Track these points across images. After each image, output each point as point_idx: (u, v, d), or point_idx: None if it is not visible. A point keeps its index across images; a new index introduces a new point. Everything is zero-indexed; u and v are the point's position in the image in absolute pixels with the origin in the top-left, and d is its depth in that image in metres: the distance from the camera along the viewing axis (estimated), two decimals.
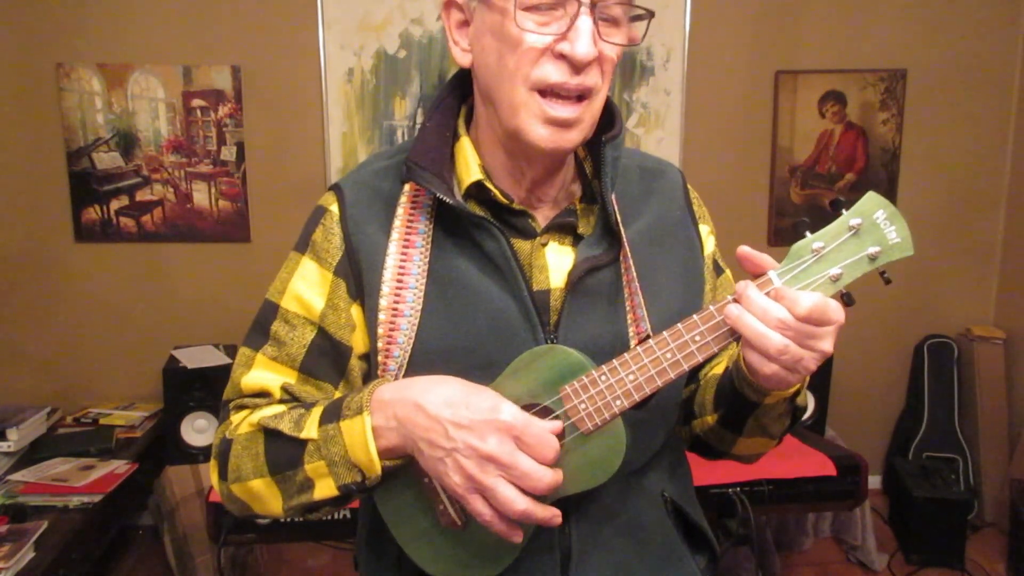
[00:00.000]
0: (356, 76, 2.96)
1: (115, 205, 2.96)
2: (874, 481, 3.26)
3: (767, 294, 0.77)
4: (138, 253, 3.01)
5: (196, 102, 2.94)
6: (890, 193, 3.23)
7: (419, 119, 3.01)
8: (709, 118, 3.11)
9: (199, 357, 2.78)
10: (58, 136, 2.90)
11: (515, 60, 0.83)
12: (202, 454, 2.68)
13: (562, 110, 0.84)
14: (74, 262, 3.00)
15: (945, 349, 3.25)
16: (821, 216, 0.80)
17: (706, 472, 2.11)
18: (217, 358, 2.78)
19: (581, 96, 0.85)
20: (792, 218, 3.21)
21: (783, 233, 3.20)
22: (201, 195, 2.99)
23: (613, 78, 0.90)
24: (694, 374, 1.04)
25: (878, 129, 3.18)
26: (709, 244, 1.03)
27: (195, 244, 3.02)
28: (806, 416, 2.93)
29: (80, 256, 2.99)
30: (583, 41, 0.81)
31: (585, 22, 0.82)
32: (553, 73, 0.83)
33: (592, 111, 0.87)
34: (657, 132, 3.10)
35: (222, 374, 2.72)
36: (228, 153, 2.98)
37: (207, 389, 2.69)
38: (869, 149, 3.19)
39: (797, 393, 0.89)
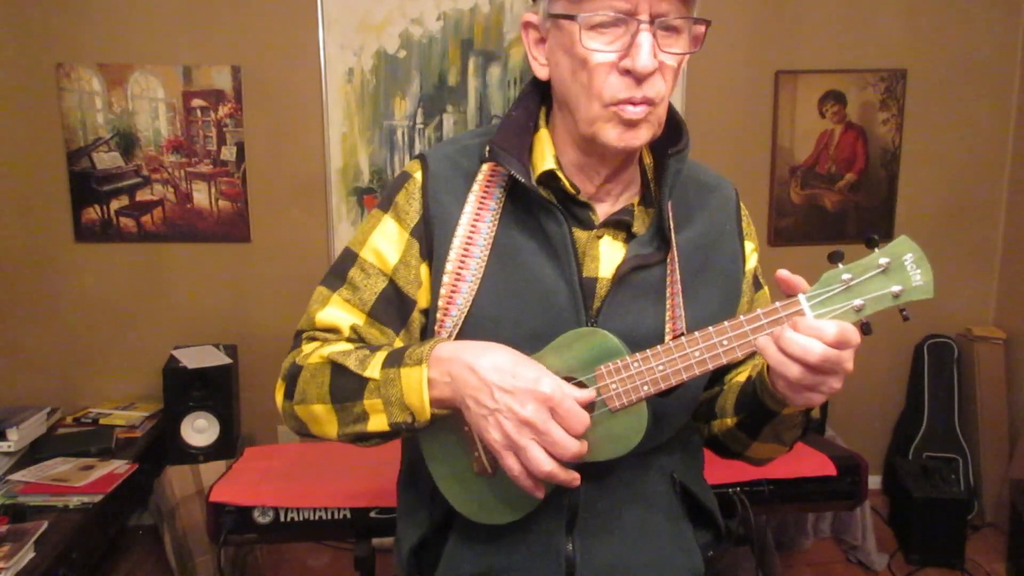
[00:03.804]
0: (356, 76, 2.96)
1: (115, 205, 2.97)
2: (874, 481, 3.26)
3: (792, 315, 0.86)
4: (138, 253, 3.01)
5: (196, 102, 2.94)
6: (890, 193, 3.23)
7: (419, 119, 3.01)
8: (709, 118, 3.11)
9: (199, 357, 2.77)
10: (58, 136, 2.90)
11: (586, 76, 0.92)
12: (202, 454, 2.68)
13: (632, 111, 0.92)
14: (74, 262, 3.00)
15: (945, 349, 3.25)
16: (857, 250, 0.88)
17: (706, 472, 2.11)
18: (217, 358, 2.78)
19: (648, 103, 0.93)
20: (792, 218, 3.21)
21: (783, 233, 3.20)
22: (201, 195, 2.99)
23: (677, 82, 0.98)
24: (719, 377, 1.12)
25: (878, 129, 3.18)
26: (752, 260, 1.13)
27: (195, 244, 3.02)
28: None
29: (80, 256, 3.00)
30: (644, 56, 0.89)
31: (645, 38, 0.89)
32: (620, 89, 0.91)
33: (658, 114, 0.95)
34: None
35: (222, 374, 2.72)
36: (228, 153, 2.98)
37: (207, 389, 2.69)
38: (869, 149, 3.19)
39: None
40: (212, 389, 2.69)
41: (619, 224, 1.03)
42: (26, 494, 2.40)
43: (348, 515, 1.94)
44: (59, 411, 2.91)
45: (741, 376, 1.09)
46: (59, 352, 3.04)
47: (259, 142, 2.99)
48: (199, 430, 2.70)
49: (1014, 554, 2.78)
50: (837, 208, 3.22)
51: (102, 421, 2.88)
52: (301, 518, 1.96)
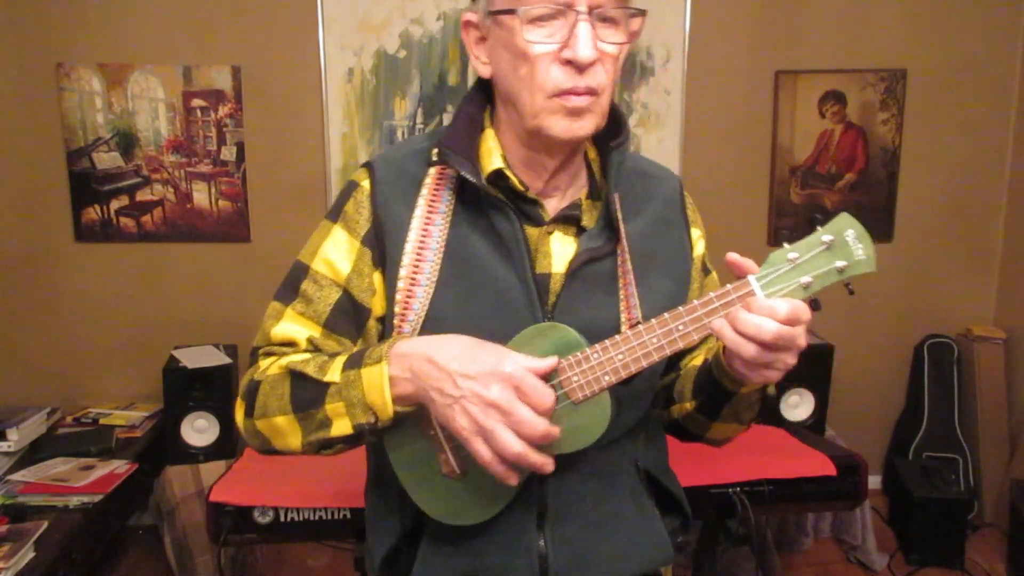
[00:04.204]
0: (356, 76, 2.96)
1: (115, 205, 2.97)
2: (874, 481, 3.25)
3: (743, 296, 0.87)
4: (138, 253, 3.01)
5: (196, 102, 2.94)
6: (890, 193, 3.23)
7: (419, 119, 3.01)
8: (709, 118, 3.11)
9: (199, 357, 2.77)
10: (58, 136, 2.90)
11: (528, 68, 0.93)
12: (202, 454, 2.68)
13: (576, 100, 0.93)
14: (74, 262, 3.00)
15: (945, 349, 3.25)
16: (825, 214, 0.91)
17: (706, 472, 2.12)
18: (217, 358, 2.78)
19: (591, 92, 0.94)
20: (792, 218, 3.20)
21: (783, 233, 3.20)
22: (201, 195, 2.99)
23: (619, 73, 0.99)
24: (675, 363, 1.15)
25: (878, 129, 3.18)
26: (699, 247, 1.14)
27: (195, 244, 3.02)
28: (806, 416, 2.93)
29: (80, 256, 3.00)
30: (583, 45, 0.91)
31: (584, 28, 0.91)
32: (563, 80, 0.93)
33: (601, 104, 0.96)
34: (657, 132, 3.10)
35: (222, 374, 2.72)
36: (228, 153, 2.98)
37: (207, 389, 2.69)
38: (869, 149, 3.19)
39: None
40: (212, 389, 2.69)
41: (569, 219, 1.04)
42: (26, 494, 2.39)
43: (348, 515, 1.94)
44: (59, 411, 2.91)
45: (696, 360, 1.12)
46: (59, 352, 3.04)
47: (259, 142, 2.99)
48: (199, 430, 2.70)
49: (1014, 554, 2.78)
50: (837, 208, 3.22)
51: (102, 421, 2.88)
52: (301, 518, 1.96)
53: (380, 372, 0.91)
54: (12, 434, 2.58)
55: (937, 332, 3.28)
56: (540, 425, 0.86)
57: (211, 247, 3.02)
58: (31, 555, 2.10)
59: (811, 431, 2.85)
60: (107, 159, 2.94)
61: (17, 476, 2.50)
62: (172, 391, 2.69)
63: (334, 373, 0.95)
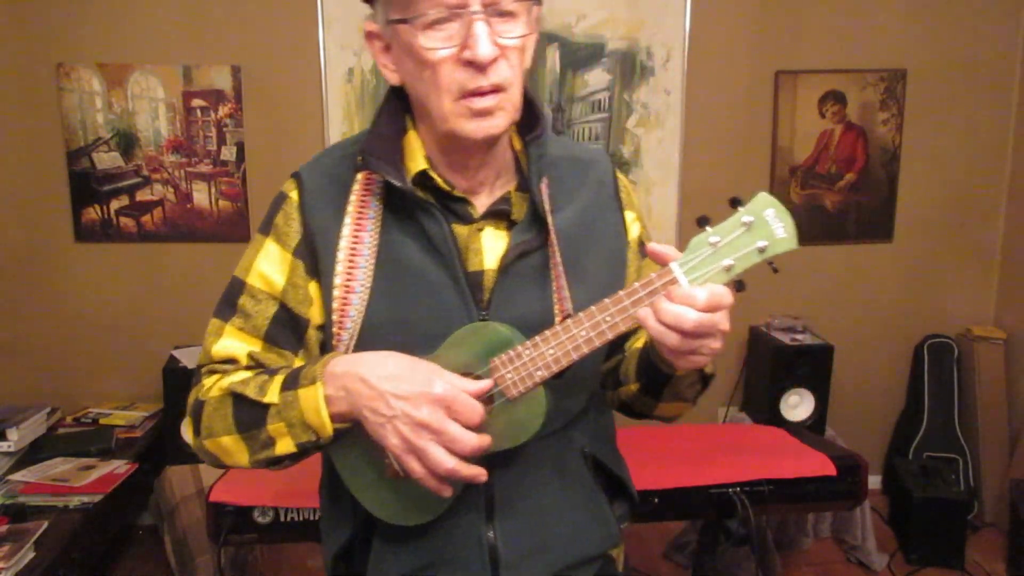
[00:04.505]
0: (356, 76, 2.96)
1: (115, 205, 2.97)
2: (874, 481, 3.25)
3: (667, 284, 0.88)
4: (138, 253, 3.01)
5: (196, 102, 2.94)
6: (890, 193, 3.23)
7: None
8: (709, 118, 3.11)
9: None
10: (58, 136, 2.90)
11: (431, 74, 0.93)
12: None
13: (482, 101, 0.93)
14: (74, 262, 3.00)
15: (945, 349, 3.25)
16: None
17: (706, 472, 2.12)
18: None
19: (497, 89, 0.94)
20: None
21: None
22: (201, 195, 2.99)
23: (535, 63, 1.01)
24: (620, 346, 1.14)
25: (878, 129, 3.18)
26: (634, 229, 1.13)
27: (195, 244, 3.02)
28: (806, 416, 2.93)
29: (80, 256, 3.00)
30: (482, 45, 0.90)
31: (481, 27, 0.90)
32: (467, 80, 0.92)
33: (511, 98, 0.96)
34: (657, 132, 3.10)
35: None
36: (228, 153, 2.98)
37: None
38: (869, 149, 3.19)
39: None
40: None
41: (499, 214, 1.04)
42: (26, 494, 2.40)
43: None
44: (59, 411, 2.92)
45: (639, 342, 1.11)
46: (59, 352, 3.04)
47: (259, 142, 2.99)
48: None
49: (1014, 554, 2.78)
50: (837, 208, 3.22)
51: (102, 421, 2.88)
52: (301, 518, 1.96)
53: (316, 393, 0.93)
54: (12, 434, 2.58)
55: (937, 332, 3.28)
56: (471, 441, 0.89)
57: (211, 247, 3.02)
58: (31, 555, 2.10)
59: (811, 431, 2.85)
60: (107, 159, 2.94)
61: (17, 476, 2.50)
62: (172, 391, 2.69)
63: (273, 394, 0.96)
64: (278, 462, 0.99)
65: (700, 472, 2.11)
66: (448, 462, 0.88)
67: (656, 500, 2.06)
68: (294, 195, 1.05)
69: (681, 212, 3.09)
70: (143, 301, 3.04)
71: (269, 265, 1.04)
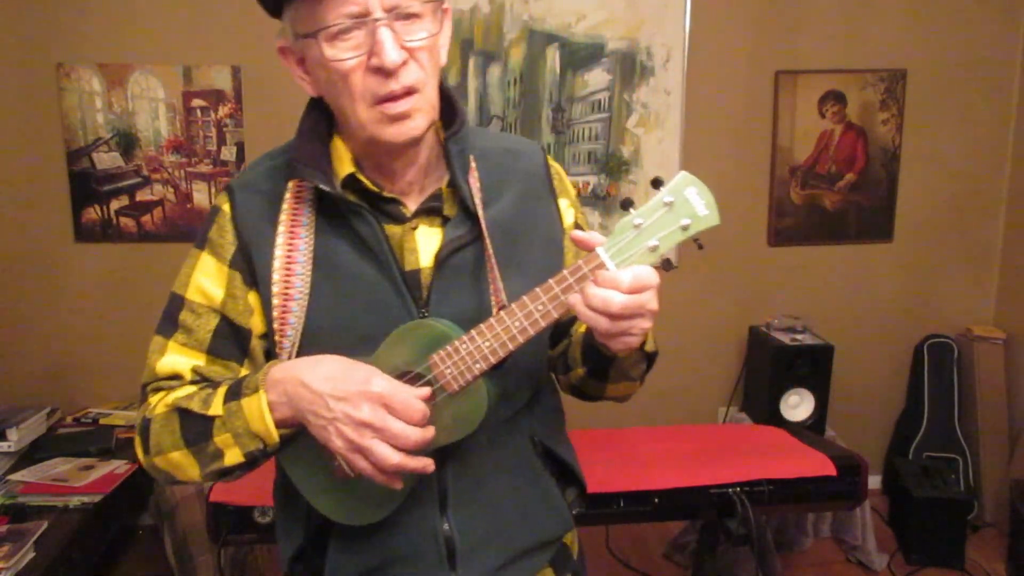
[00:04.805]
0: None
1: (115, 205, 2.97)
2: (874, 481, 3.26)
3: (595, 268, 0.89)
4: (138, 253, 3.01)
5: (196, 102, 2.94)
6: (890, 193, 3.23)
7: None
8: (709, 118, 3.11)
9: None
10: (58, 136, 2.90)
11: (344, 84, 0.94)
12: None
13: (396, 106, 0.94)
14: (74, 262, 3.00)
15: (945, 349, 3.25)
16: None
17: (706, 472, 2.12)
18: None
19: (409, 92, 0.95)
20: (792, 218, 3.21)
21: (783, 233, 3.20)
22: (201, 195, 2.99)
23: (441, 60, 1.00)
24: (567, 331, 1.17)
25: (878, 129, 3.18)
26: (568, 216, 1.14)
27: None
28: (806, 416, 2.93)
29: (80, 256, 2.99)
30: (388, 52, 0.91)
31: (385, 34, 0.91)
32: (378, 86, 0.93)
33: (427, 98, 0.97)
34: (657, 132, 3.10)
35: None
36: (228, 153, 2.98)
37: None
38: (869, 149, 3.19)
39: (644, 343, 1.01)
40: None
41: (431, 211, 1.05)
42: (26, 494, 2.40)
43: None
44: (59, 411, 2.92)
45: (584, 327, 1.11)
46: (59, 352, 3.04)
47: (259, 142, 2.99)
48: None
49: (1014, 554, 2.78)
50: (837, 208, 3.22)
51: (102, 421, 2.88)
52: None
53: (259, 401, 0.95)
54: (12, 434, 2.58)
55: (937, 332, 3.28)
56: (413, 435, 0.90)
57: None
58: (31, 555, 2.10)
59: (811, 431, 2.85)
60: (107, 159, 2.94)
61: (17, 476, 2.50)
62: None
63: (217, 406, 0.97)
64: (229, 473, 1.00)
65: (700, 472, 2.11)
66: (393, 457, 0.89)
67: (656, 500, 2.06)
68: (226, 208, 1.05)
69: None
70: (143, 301, 3.04)
71: (206, 279, 1.05)
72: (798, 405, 2.94)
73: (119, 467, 2.57)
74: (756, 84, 3.12)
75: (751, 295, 3.25)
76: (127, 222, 2.98)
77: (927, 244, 3.29)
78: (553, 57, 3.02)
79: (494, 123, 3.05)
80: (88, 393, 3.04)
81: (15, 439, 2.58)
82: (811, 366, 2.91)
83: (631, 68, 3.05)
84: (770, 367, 2.92)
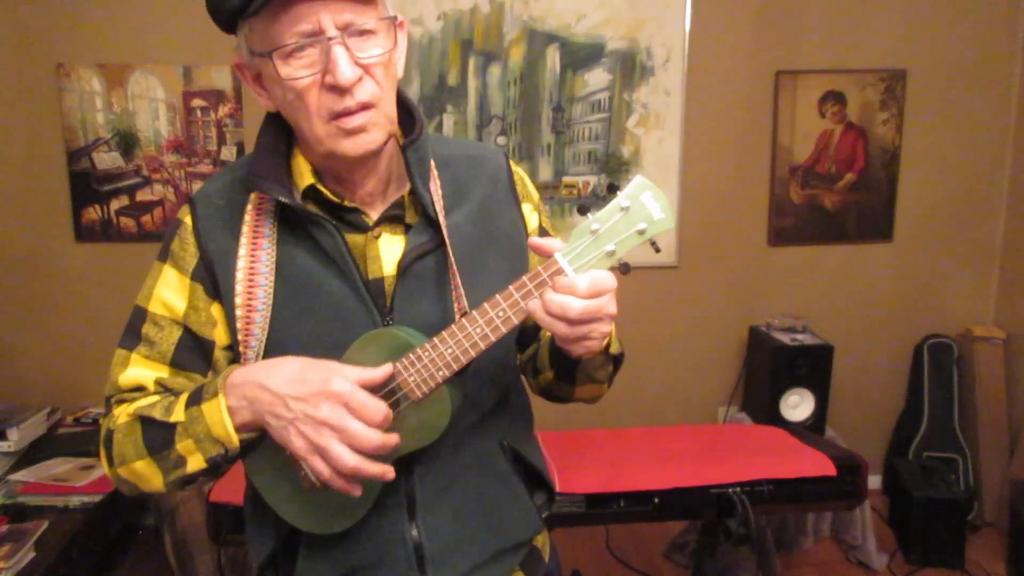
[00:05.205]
0: None
1: (115, 205, 2.97)
2: (874, 481, 3.26)
3: (553, 274, 0.90)
4: (138, 253, 3.00)
5: (196, 102, 2.94)
6: (890, 193, 3.23)
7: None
8: (709, 118, 3.11)
9: None
10: (58, 136, 2.90)
11: (299, 101, 0.95)
12: None
13: (351, 121, 0.94)
14: (74, 262, 3.00)
15: (945, 349, 3.25)
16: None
17: (706, 472, 2.12)
18: None
19: (365, 107, 0.95)
20: (792, 218, 3.21)
21: (783, 233, 3.20)
22: None
23: (396, 74, 1.01)
24: (535, 335, 1.18)
25: (878, 129, 3.18)
26: (533, 220, 1.15)
27: None
28: (806, 416, 2.93)
29: (80, 256, 3.00)
30: (342, 69, 0.91)
31: (339, 52, 0.91)
32: (334, 103, 0.93)
33: (384, 112, 0.97)
34: (657, 132, 3.10)
35: None
36: (228, 153, 2.98)
37: None
38: (869, 149, 3.19)
39: (608, 346, 1.03)
40: None
41: (393, 219, 1.05)
42: (26, 494, 2.40)
43: None
44: (59, 411, 2.92)
45: None
46: (59, 352, 3.04)
47: None
48: None
49: (1014, 554, 2.78)
50: (837, 208, 3.22)
51: (102, 421, 2.88)
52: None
53: (218, 405, 0.95)
54: (12, 434, 2.58)
55: (937, 332, 3.28)
56: (373, 437, 0.89)
57: None
58: (31, 555, 2.10)
59: (811, 431, 2.85)
60: (107, 159, 2.94)
61: (17, 476, 2.50)
62: None
63: (179, 413, 0.97)
64: (192, 480, 1.00)
65: (700, 472, 2.11)
66: (351, 459, 0.89)
67: (656, 500, 2.06)
68: (188, 220, 1.05)
69: (681, 212, 3.09)
70: None
71: (168, 291, 1.05)
72: (798, 405, 2.94)
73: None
74: (756, 84, 3.12)
75: (751, 295, 3.25)
76: (127, 222, 2.98)
77: (927, 244, 3.29)
78: (553, 57, 3.02)
79: (494, 123, 3.05)
80: (88, 393, 3.04)
81: (15, 439, 2.58)
82: (811, 366, 2.91)
83: (631, 68, 3.05)
84: (770, 367, 2.92)
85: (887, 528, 3.07)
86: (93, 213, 2.96)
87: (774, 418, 2.90)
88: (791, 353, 2.90)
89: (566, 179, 3.10)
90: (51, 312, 3.02)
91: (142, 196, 2.97)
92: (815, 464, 2.17)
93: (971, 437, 3.20)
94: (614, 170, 3.11)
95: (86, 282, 3.01)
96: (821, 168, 3.19)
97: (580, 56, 3.03)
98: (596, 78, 3.05)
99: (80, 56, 2.87)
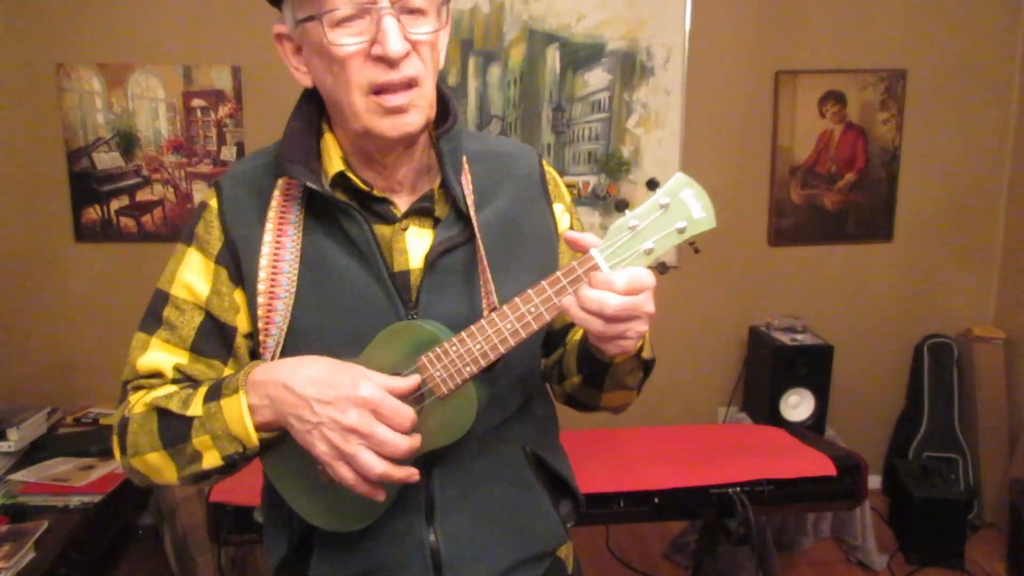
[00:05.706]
0: None
1: (115, 205, 2.97)
2: (874, 481, 3.26)
3: (589, 270, 0.87)
4: (138, 253, 3.01)
5: (196, 102, 2.94)
6: (890, 193, 3.23)
7: None
8: (709, 118, 3.11)
9: None
10: (58, 136, 2.90)
11: (343, 72, 0.92)
12: None
13: (394, 99, 0.93)
14: (74, 262, 3.00)
15: (945, 349, 3.25)
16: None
17: (706, 472, 2.12)
18: None
19: (410, 84, 0.93)
20: (792, 218, 3.21)
21: (783, 233, 3.20)
22: (201, 195, 2.98)
23: (440, 59, 0.99)
24: (562, 339, 1.15)
25: (878, 129, 3.18)
26: (564, 221, 1.13)
27: None
28: (806, 416, 2.93)
29: (80, 256, 3.00)
30: (392, 40, 0.90)
31: (390, 23, 0.90)
32: (377, 74, 0.92)
33: (424, 94, 0.96)
34: (657, 132, 3.10)
35: None
36: (228, 153, 2.98)
37: None
38: (869, 149, 3.19)
39: (641, 350, 1.00)
40: None
41: (422, 212, 1.03)
42: (26, 494, 2.40)
43: None
44: (59, 411, 2.91)
45: (579, 334, 1.09)
46: (59, 352, 3.04)
47: (259, 142, 2.97)
48: None
49: (1014, 554, 2.78)
50: (837, 208, 3.22)
51: (102, 421, 2.88)
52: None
53: (238, 402, 0.92)
54: (12, 434, 2.58)
55: (937, 332, 3.28)
56: (402, 444, 0.88)
57: None
58: (31, 555, 2.10)
59: (811, 431, 2.85)
60: (107, 159, 2.94)
61: (17, 476, 2.50)
62: None
63: (197, 407, 0.95)
64: (206, 477, 0.98)
65: (700, 472, 2.11)
66: (378, 466, 0.87)
67: (656, 500, 2.06)
68: (213, 203, 1.04)
69: None
70: (143, 301, 3.04)
71: (192, 274, 1.03)
72: (798, 405, 2.94)
73: (119, 467, 2.56)
74: (756, 84, 3.12)
75: (751, 295, 3.25)
76: (127, 222, 2.98)
77: (927, 244, 3.29)
78: (553, 57, 3.02)
79: (494, 123, 3.05)
80: (88, 393, 3.04)
81: (15, 439, 2.58)
82: (811, 366, 2.91)
83: (631, 68, 3.05)
84: (770, 367, 2.92)
85: (887, 528, 3.07)
86: (93, 213, 2.96)
87: (774, 418, 2.90)
88: (791, 353, 2.90)
89: (566, 179, 3.11)
90: (51, 312, 3.02)
91: (142, 196, 2.97)
92: (815, 464, 2.17)
93: (971, 437, 3.20)
94: (614, 170, 3.11)
95: (86, 282, 3.01)
96: (821, 168, 3.19)
97: (580, 56, 3.03)
98: (596, 78, 3.05)
99: (80, 56, 2.87)
